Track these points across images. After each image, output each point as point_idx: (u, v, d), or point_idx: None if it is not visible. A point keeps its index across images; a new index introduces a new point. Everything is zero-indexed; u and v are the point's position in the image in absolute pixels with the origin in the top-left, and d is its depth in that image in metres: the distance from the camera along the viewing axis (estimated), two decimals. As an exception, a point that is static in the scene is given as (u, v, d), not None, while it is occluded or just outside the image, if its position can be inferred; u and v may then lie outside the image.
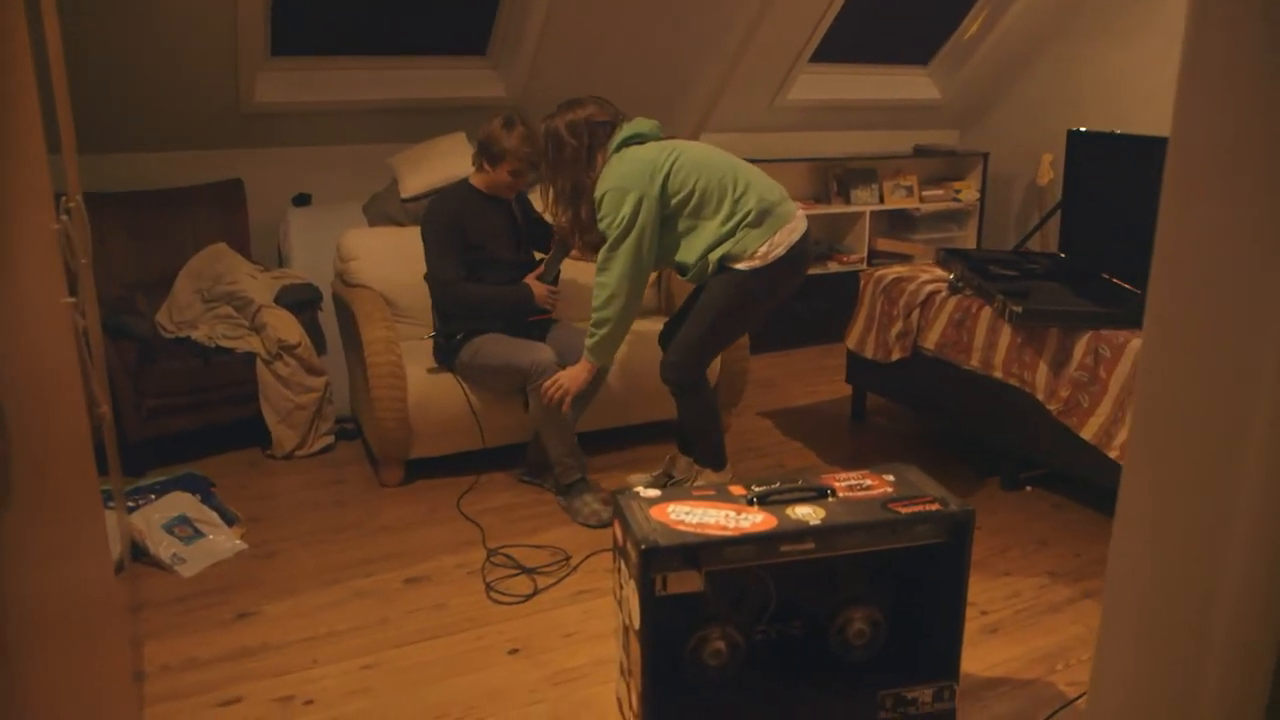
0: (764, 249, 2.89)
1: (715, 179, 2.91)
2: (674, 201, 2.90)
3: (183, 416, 3.51)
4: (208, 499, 3.04)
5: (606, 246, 2.89)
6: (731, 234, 2.90)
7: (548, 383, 3.05)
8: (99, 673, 1.68)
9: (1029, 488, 3.39)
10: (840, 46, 5.01)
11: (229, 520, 3.03)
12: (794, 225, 2.96)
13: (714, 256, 2.91)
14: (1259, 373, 0.92)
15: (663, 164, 2.89)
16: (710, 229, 2.91)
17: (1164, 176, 1.00)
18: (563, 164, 3.00)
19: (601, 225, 2.89)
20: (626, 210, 2.83)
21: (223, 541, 2.90)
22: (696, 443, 3.20)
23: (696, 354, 3.04)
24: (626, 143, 2.96)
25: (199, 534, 2.89)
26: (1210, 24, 0.92)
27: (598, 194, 2.90)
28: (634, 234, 2.84)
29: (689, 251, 2.94)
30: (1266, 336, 0.90)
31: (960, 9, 5.16)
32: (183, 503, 2.95)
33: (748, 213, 2.89)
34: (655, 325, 3.83)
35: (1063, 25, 5.16)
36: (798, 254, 2.95)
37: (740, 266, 2.90)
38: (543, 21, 4.07)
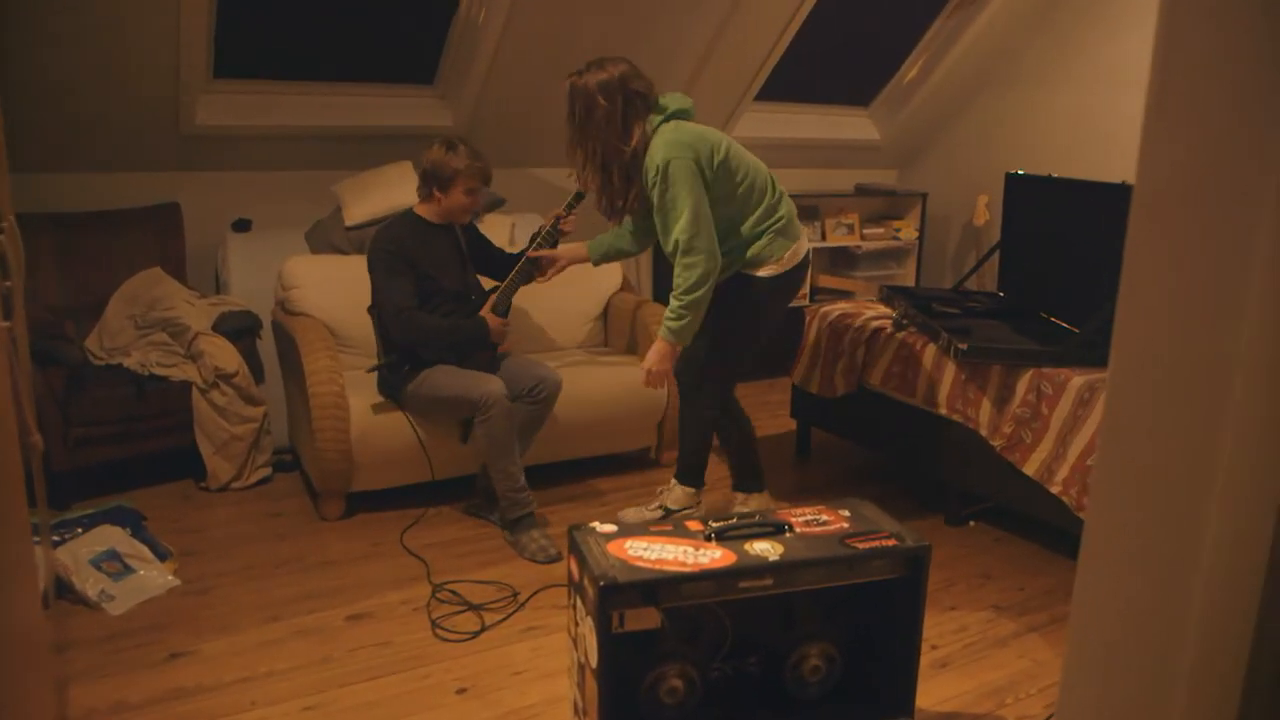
0: (787, 255, 2.88)
1: (761, 175, 2.87)
2: (726, 186, 2.79)
3: (112, 446, 3.38)
4: (138, 532, 2.92)
5: (685, 221, 2.69)
6: (760, 235, 2.86)
7: (644, 377, 2.93)
8: (22, 718, 1.58)
9: (972, 522, 3.43)
10: (785, 86, 5.10)
11: (161, 555, 2.91)
12: (804, 240, 2.98)
13: (741, 254, 2.86)
14: (1223, 405, 0.94)
15: (722, 143, 2.79)
16: (746, 225, 2.85)
17: (1129, 218, 1.02)
18: (592, 126, 2.79)
19: (668, 195, 2.70)
20: (696, 181, 2.69)
21: (154, 577, 2.79)
22: (680, 450, 3.19)
23: (709, 362, 2.98)
24: (674, 116, 2.84)
25: (129, 569, 2.77)
26: (1175, 68, 0.94)
27: (659, 162, 2.70)
28: (705, 204, 2.71)
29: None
30: (1230, 372, 0.92)
31: (900, 54, 5.30)
32: (112, 536, 2.83)
33: (780, 217, 2.88)
34: (605, 357, 3.82)
35: (997, 73, 5.32)
36: (804, 266, 2.98)
37: (761, 273, 2.88)
38: (491, 53, 4.07)
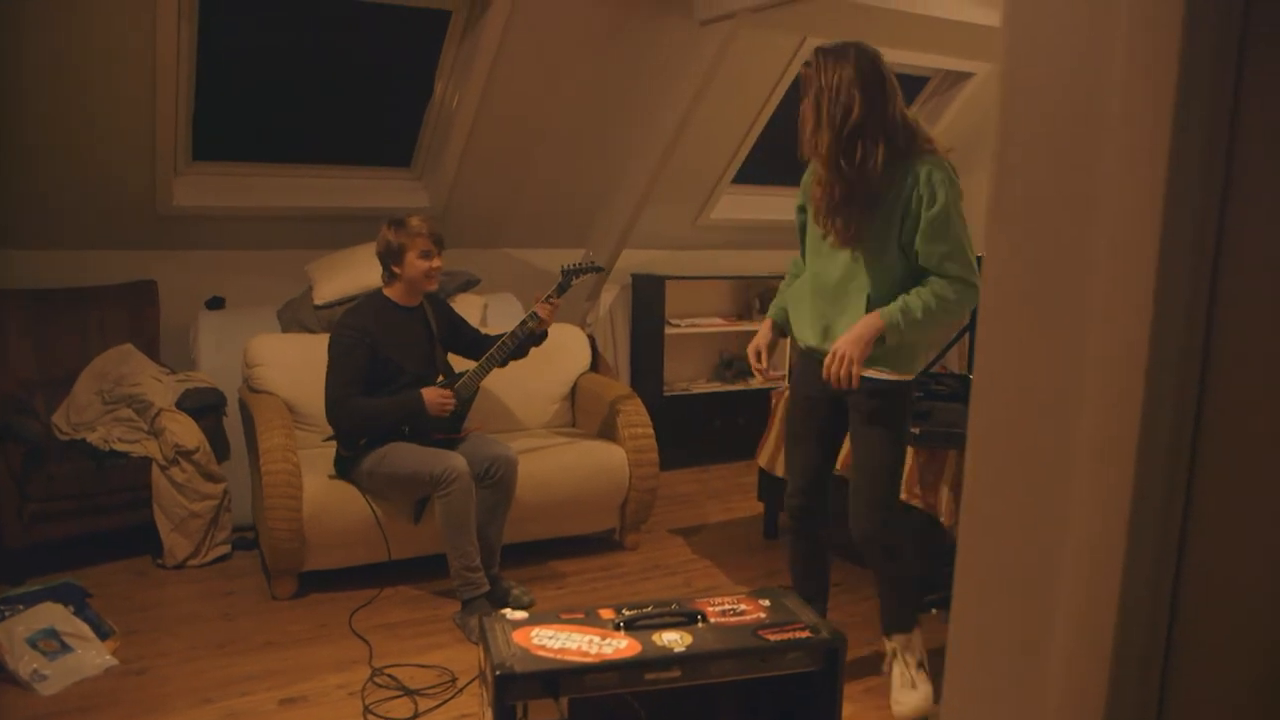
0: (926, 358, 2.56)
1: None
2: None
3: (69, 522, 3.39)
4: (81, 610, 2.90)
5: (959, 241, 2.32)
6: None
7: (829, 360, 2.34)
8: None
9: (934, 610, 3.36)
10: (762, 169, 5.17)
11: (102, 634, 2.89)
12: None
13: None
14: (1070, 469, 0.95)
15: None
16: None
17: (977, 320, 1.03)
18: (871, 89, 2.31)
19: (941, 197, 2.31)
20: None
21: (91, 657, 2.76)
22: (901, 604, 2.61)
23: (894, 486, 2.56)
24: None
25: (66, 648, 2.75)
26: (1009, 171, 0.96)
27: (936, 174, 2.33)
28: None
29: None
30: (1070, 449, 0.94)
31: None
32: (52, 614, 2.81)
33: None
34: (570, 438, 3.81)
35: (969, 160, 5.38)
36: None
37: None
38: (465, 136, 4.16)
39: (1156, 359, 0.86)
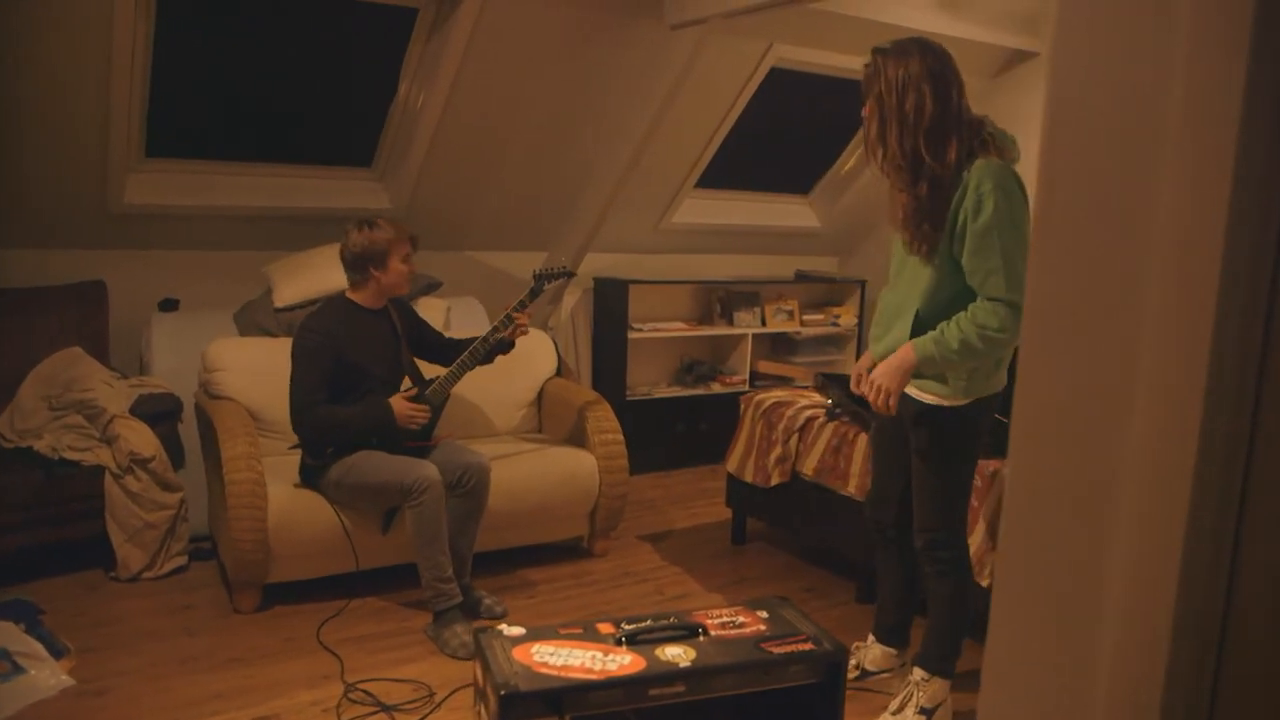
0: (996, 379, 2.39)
1: None
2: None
3: (17, 535, 3.23)
4: (33, 628, 2.78)
5: (1010, 258, 2.18)
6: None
7: (867, 388, 2.35)
8: None
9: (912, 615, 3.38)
10: (725, 174, 5.18)
11: (57, 652, 2.76)
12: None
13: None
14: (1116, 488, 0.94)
15: None
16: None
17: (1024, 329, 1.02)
18: (940, 84, 2.24)
19: (989, 208, 2.18)
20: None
21: (45, 678, 2.63)
22: (936, 637, 2.53)
23: (944, 510, 2.48)
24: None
25: (18, 669, 2.62)
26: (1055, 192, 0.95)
27: (986, 182, 2.20)
28: None
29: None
30: (1114, 469, 0.92)
31: (837, 145, 5.41)
32: (3, 633, 2.68)
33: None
34: (538, 444, 3.76)
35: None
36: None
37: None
38: (429, 137, 4.08)
39: (1215, 377, 0.86)
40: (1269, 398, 0.86)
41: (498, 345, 3.27)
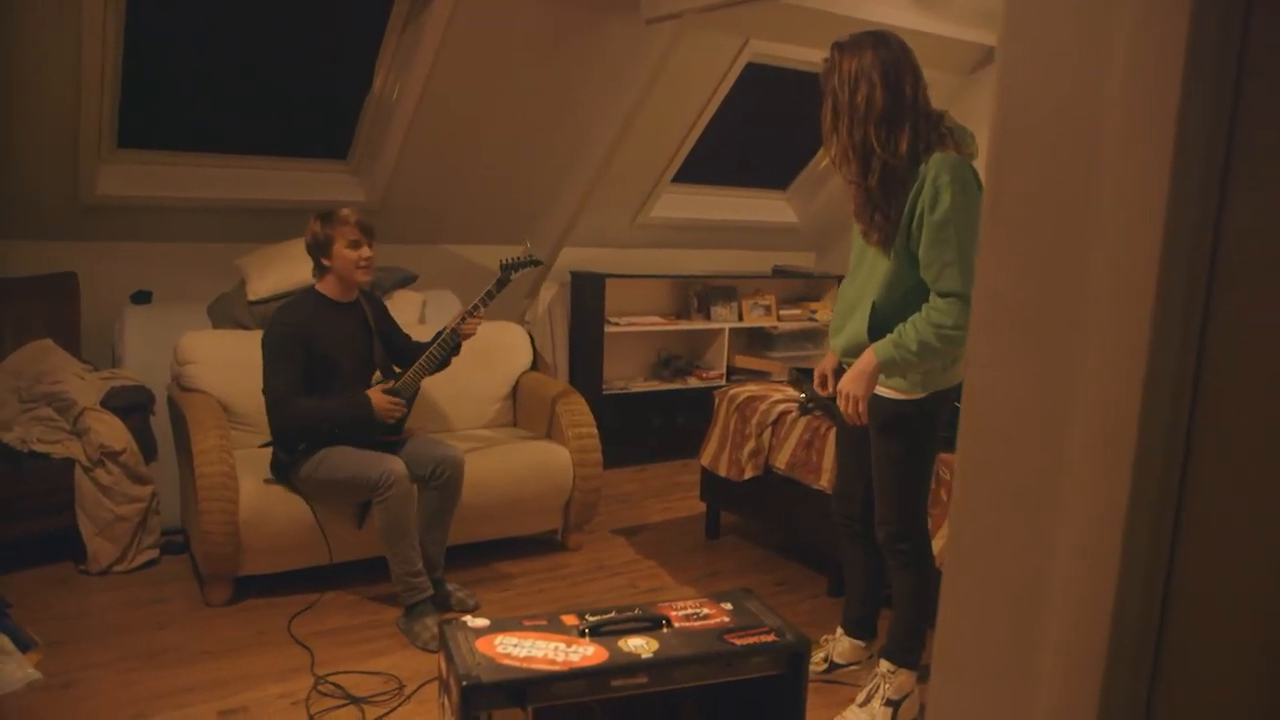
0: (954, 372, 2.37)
1: None
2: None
3: (-16, 527, 3.22)
4: (0, 622, 2.76)
5: (964, 252, 2.15)
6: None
7: (839, 399, 2.37)
8: None
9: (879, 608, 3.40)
10: (702, 169, 5.18)
11: (24, 646, 2.74)
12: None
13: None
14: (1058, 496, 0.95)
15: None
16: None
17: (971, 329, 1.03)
18: (891, 74, 2.22)
19: (946, 200, 2.18)
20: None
21: (12, 671, 2.62)
22: (900, 630, 2.54)
23: (903, 502, 2.48)
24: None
25: (-14, 662, 2.61)
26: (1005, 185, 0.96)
27: (944, 174, 2.19)
28: None
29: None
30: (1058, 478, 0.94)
31: (814, 141, 5.42)
32: (-30, 627, 2.67)
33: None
34: (511, 438, 3.76)
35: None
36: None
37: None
38: (405, 130, 4.07)
39: (1153, 371, 0.87)
40: (1206, 391, 0.88)
41: (455, 349, 3.27)
